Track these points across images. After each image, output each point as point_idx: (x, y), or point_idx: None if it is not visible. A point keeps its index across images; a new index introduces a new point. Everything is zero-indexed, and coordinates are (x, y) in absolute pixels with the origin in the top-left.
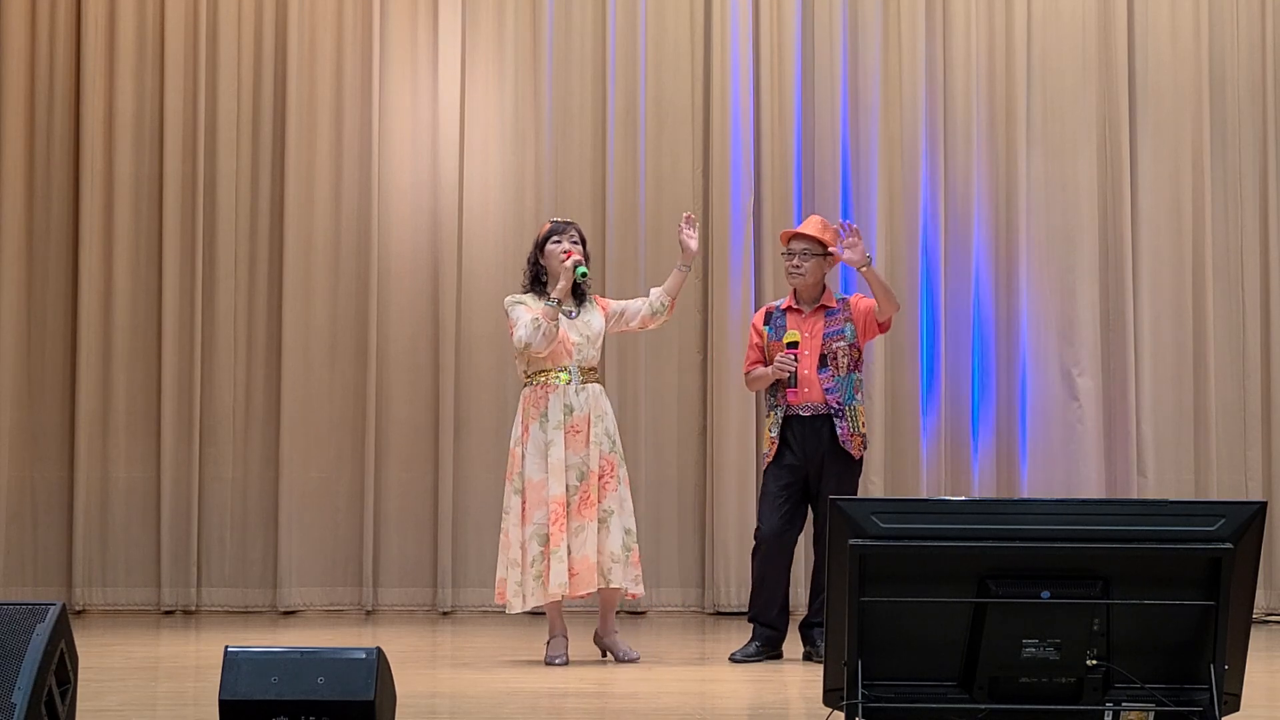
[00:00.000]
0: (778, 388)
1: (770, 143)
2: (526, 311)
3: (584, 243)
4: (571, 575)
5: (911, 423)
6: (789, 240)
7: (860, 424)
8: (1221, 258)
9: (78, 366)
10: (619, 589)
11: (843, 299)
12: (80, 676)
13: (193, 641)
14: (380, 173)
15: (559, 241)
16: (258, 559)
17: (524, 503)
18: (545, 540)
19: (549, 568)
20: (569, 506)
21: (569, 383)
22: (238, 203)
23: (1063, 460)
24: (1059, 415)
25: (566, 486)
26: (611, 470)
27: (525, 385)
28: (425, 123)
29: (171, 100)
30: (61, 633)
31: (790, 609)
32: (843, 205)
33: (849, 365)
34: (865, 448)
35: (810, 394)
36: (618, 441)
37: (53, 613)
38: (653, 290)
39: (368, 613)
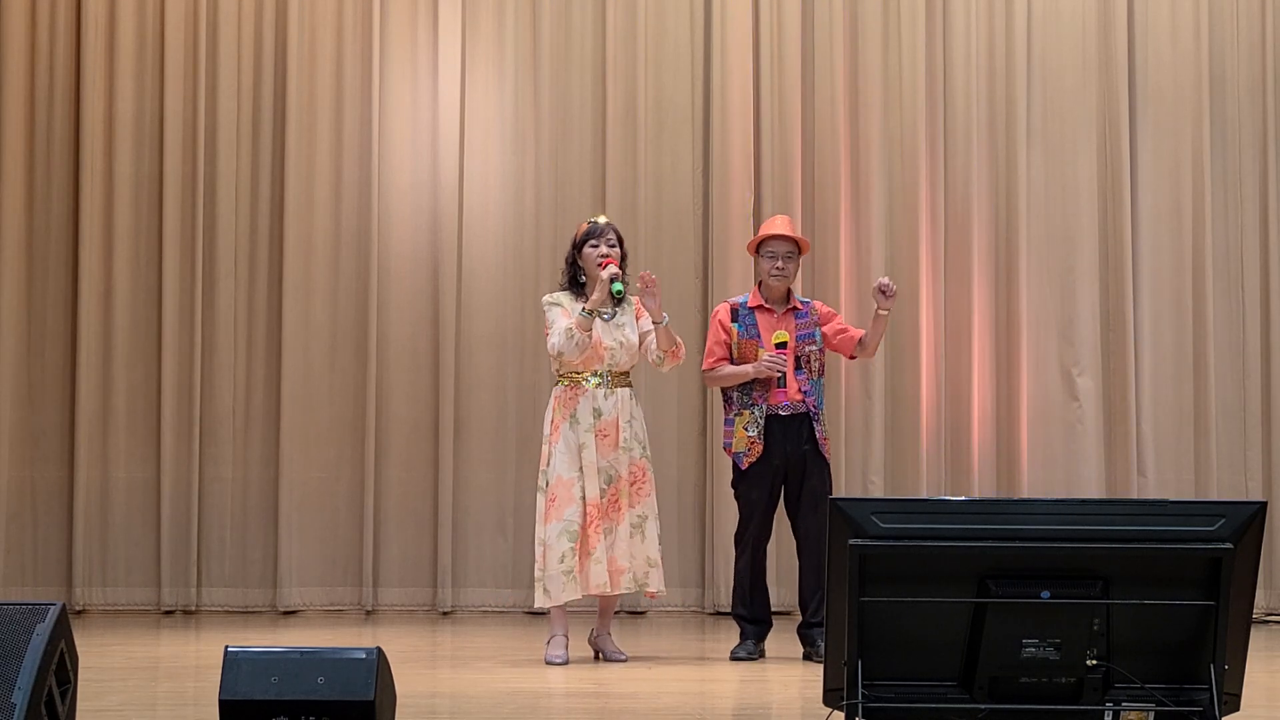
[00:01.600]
0: (752, 386)
1: (770, 143)
2: (562, 316)
3: (621, 243)
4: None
5: (911, 423)
6: (761, 244)
7: (826, 426)
8: (1221, 258)
9: (78, 366)
10: (620, 593)
11: (806, 302)
12: (80, 676)
13: (193, 641)
14: (380, 173)
15: (596, 245)
16: (258, 559)
17: (550, 500)
18: (576, 537)
19: (587, 566)
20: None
21: (598, 386)
22: (238, 203)
23: (1063, 460)
24: (1059, 415)
25: (599, 489)
26: (644, 475)
27: (557, 384)
28: (425, 123)
29: (171, 100)
30: (61, 633)
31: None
32: (843, 205)
33: (818, 369)
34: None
35: (790, 393)
36: (648, 446)
37: (53, 613)
38: (649, 338)
39: (368, 613)
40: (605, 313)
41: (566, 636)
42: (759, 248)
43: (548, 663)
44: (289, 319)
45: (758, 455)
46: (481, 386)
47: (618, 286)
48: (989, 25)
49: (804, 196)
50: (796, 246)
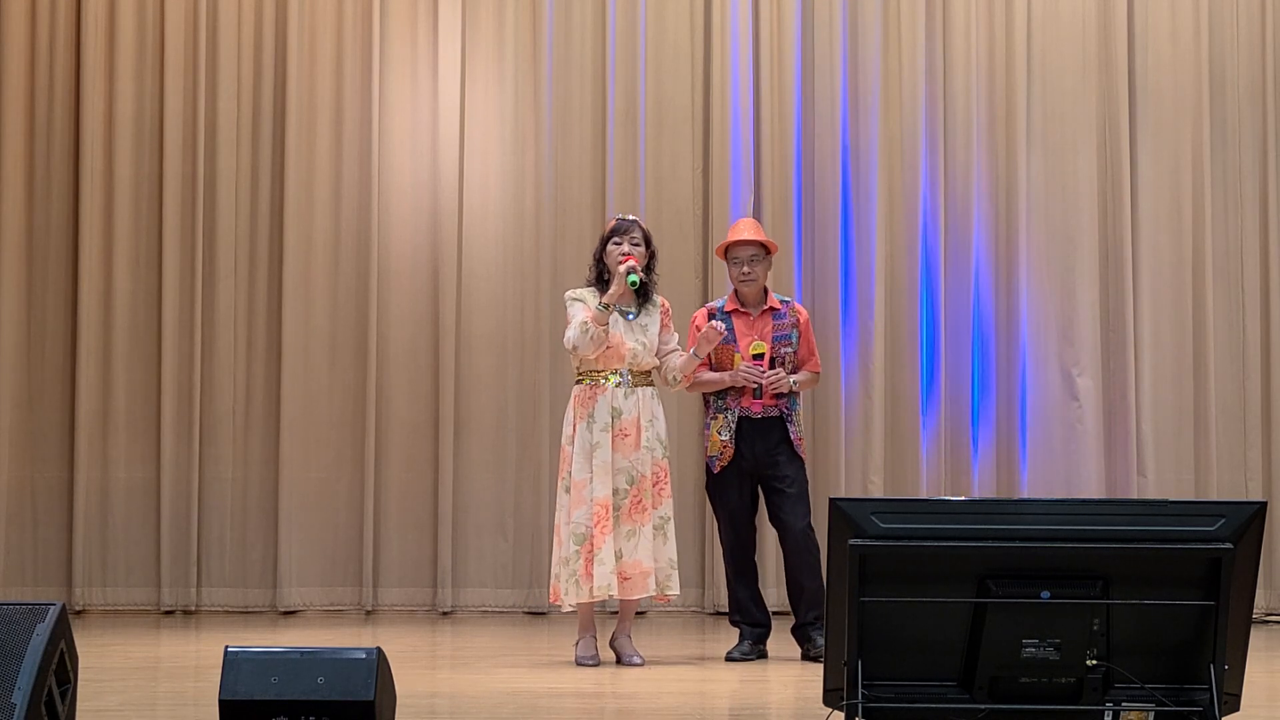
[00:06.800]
0: (728, 391)
1: (770, 143)
2: (583, 311)
3: (648, 241)
4: (624, 579)
5: (911, 423)
6: (729, 249)
7: (800, 426)
8: (1221, 258)
9: (78, 366)
10: (642, 596)
11: (786, 302)
12: (80, 676)
13: (193, 641)
14: (380, 173)
15: (619, 243)
16: (258, 559)
17: (571, 503)
18: (583, 540)
19: (590, 568)
20: (618, 510)
21: (618, 385)
22: (238, 203)
23: (1063, 460)
24: (1059, 415)
25: (615, 490)
26: (665, 475)
27: (576, 383)
28: (425, 123)
29: (171, 100)
30: (61, 633)
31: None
32: (843, 205)
33: (792, 371)
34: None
35: (765, 399)
36: (668, 446)
37: (53, 613)
38: (672, 357)
39: (368, 613)
40: (629, 311)
41: (596, 637)
42: (726, 253)
43: (579, 663)
44: (289, 319)
45: (729, 459)
46: (481, 386)
47: (633, 278)
48: (989, 25)
49: (803, 196)
50: (763, 248)
